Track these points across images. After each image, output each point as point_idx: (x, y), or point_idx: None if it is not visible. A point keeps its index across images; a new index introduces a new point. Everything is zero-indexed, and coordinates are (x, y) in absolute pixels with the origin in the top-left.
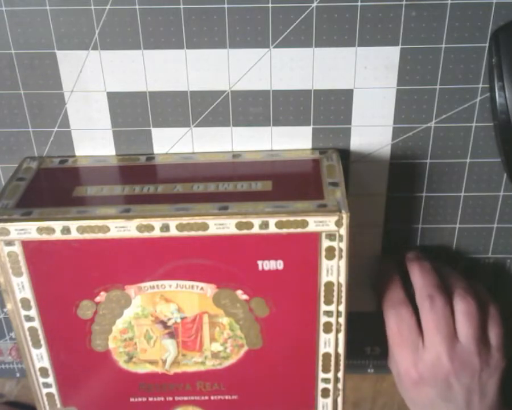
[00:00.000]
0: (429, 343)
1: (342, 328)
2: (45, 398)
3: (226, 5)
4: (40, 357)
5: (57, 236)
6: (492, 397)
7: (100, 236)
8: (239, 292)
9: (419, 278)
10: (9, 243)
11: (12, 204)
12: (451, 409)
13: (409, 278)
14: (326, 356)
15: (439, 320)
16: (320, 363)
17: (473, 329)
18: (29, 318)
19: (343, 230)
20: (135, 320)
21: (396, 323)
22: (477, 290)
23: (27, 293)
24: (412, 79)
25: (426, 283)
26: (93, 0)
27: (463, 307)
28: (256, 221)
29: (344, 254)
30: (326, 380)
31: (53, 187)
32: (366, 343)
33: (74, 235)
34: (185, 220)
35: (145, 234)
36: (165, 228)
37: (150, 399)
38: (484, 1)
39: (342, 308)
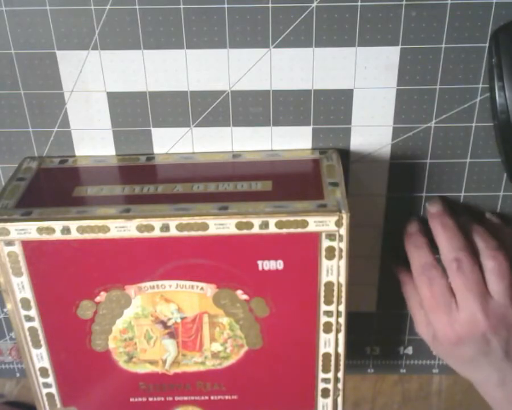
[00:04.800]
0: (463, 303)
1: (342, 328)
2: (45, 398)
3: (226, 5)
4: (40, 357)
5: (57, 236)
6: None
7: (100, 236)
8: (239, 292)
9: (444, 240)
10: (9, 243)
11: (12, 204)
12: (491, 362)
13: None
14: (326, 356)
15: (468, 281)
16: (320, 363)
17: (504, 285)
18: (29, 318)
19: (343, 230)
20: (135, 320)
21: (428, 287)
22: (505, 237)
23: (27, 293)
24: (412, 79)
25: (452, 246)
26: (93, 0)
27: (492, 266)
28: (256, 221)
29: (344, 254)
30: (326, 380)
31: (53, 187)
32: (366, 343)
33: (74, 235)
34: (185, 220)
35: (145, 234)
36: (165, 228)
37: (150, 399)
38: (484, 1)
39: (342, 308)
